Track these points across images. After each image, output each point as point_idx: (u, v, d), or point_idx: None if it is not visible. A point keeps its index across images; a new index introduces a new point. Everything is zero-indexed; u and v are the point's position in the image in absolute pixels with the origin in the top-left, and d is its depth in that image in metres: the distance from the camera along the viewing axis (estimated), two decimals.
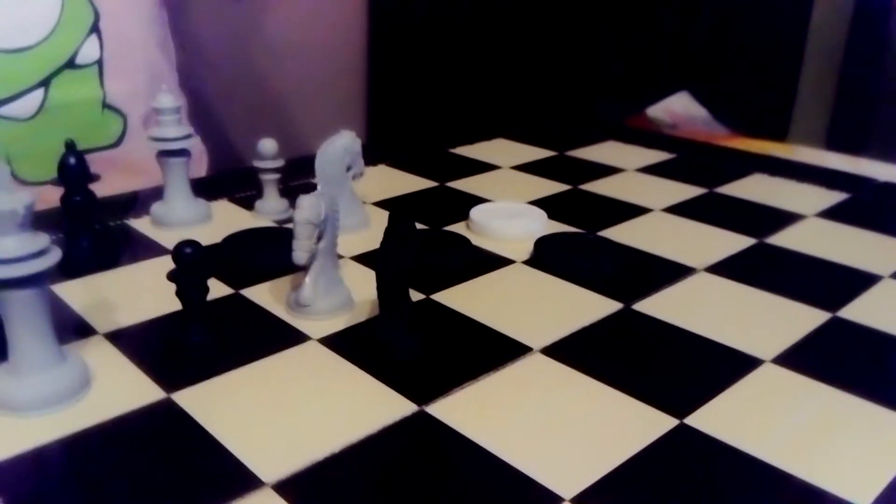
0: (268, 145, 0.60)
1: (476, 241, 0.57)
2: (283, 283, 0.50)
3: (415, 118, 1.10)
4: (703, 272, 0.54)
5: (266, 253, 0.53)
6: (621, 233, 0.60)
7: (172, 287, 0.41)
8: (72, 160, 0.51)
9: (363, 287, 0.48)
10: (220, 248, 0.55)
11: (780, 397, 0.40)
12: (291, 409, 0.38)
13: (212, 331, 0.43)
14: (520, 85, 1.23)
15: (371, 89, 1.08)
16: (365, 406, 0.38)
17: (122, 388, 0.39)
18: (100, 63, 0.72)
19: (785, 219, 0.64)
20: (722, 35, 1.38)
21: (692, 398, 0.39)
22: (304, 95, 0.99)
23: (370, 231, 0.59)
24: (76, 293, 0.49)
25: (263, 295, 0.49)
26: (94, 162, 0.56)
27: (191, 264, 0.41)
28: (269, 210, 0.62)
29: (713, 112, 1.27)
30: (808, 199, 0.69)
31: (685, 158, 0.80)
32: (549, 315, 0.47)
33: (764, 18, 1.36)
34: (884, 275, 0.54)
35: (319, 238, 0.45)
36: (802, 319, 0.47)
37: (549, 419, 0.38)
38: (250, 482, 0.33)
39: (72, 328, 0.44)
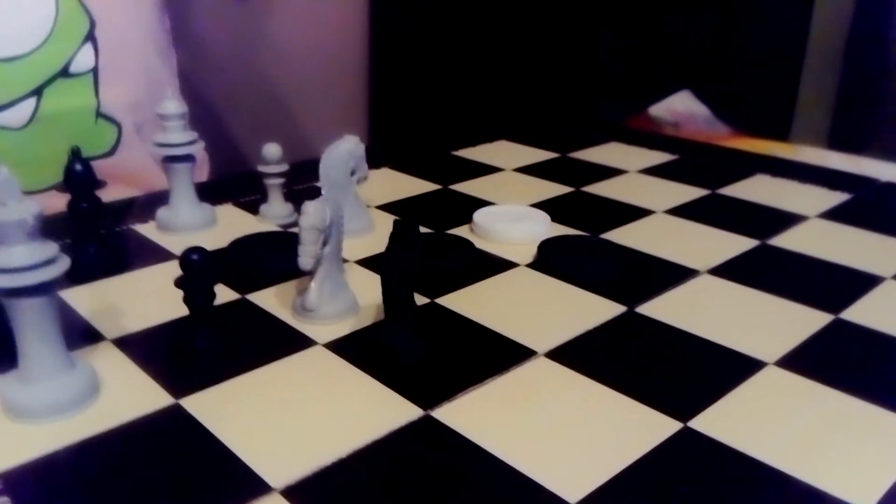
0: (272, 150, 0.60)
1: (480, 244, 0.58)
2: (289, 287, 0.51)
3: (417, 121, 1.10)
4: (705, 274, 0.54)
5: (272, 258, 0.54)
6: (624, 235, 0.60)
7: (179, 292, 0.42)
8: (78, 167, 0.52)
9: (368, 291, 0.48)
10: (226, 253, 0.55)
11: (782, 400, 0.40)
12: (298, 414, 0.38)
13: (219, 336, 0.43)
14: (522, 86, 1.24)
15: (373, 92, 1.08)
16: (371, 411, 0.39)
17: (131, 393, 0.40)
18: (95, 71, 0.72)
19: (787, 220, 0.64)
20: (723, 34, 1.38)
21: (695, 401, 0.39)
22: (307, 99, 1.00)
23: (375, 235, 0.59)
24: (84, 299, 0.49)
25: (269, 300, 0.49)
26: None
27: (198, 271, 0.41)
28: (273, 214, 0.62)
29: (715, 111, 1.27)
30: (810, 199, 0.69)
31: (687, 159, 0.80)
32: (553, 318, 0.48)
33: (765, 17, 1.36)
34: (886, 276, 0.54)
35: (325, 243, 0.45)
36: (805, 321, 0.48)
37: (554, 423, 0.38)
38: (259, 487, 0.33)
39: (80, 334, 0.45)
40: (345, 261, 0.52)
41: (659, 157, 0.81)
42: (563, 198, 0.69)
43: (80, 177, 0.52)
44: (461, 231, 0.60)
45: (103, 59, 0.72)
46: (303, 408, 0.39)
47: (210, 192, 0.64)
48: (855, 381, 0.42)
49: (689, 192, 0.70)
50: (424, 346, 0.44)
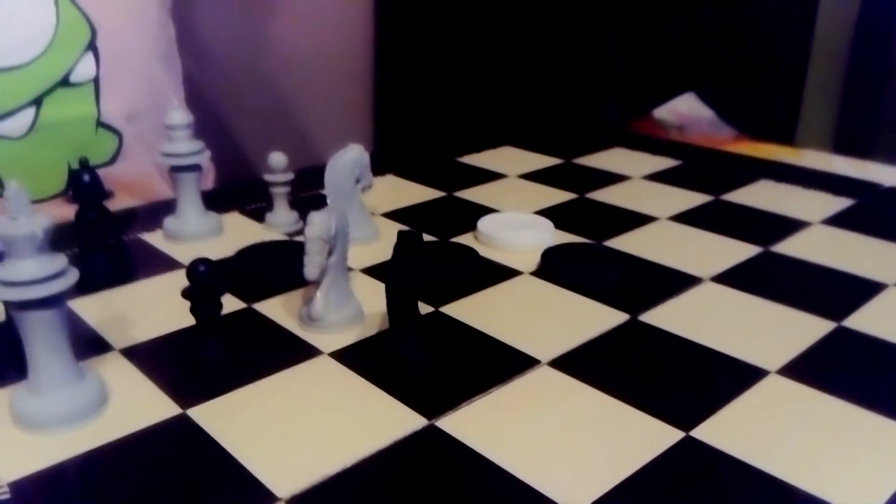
0: (278, 159, 0.61)
1: (484, 252, 0.58)
2: (295, 296, 0.51)
3: (422, 127, 1.11)
4: (708, 282, 0.54)
5: (278, 267, 0.54)
6: (628, 242, 0.61)
7: (186, 302, 0.42)
8: (86, 177, 0.52)
9: (373, 299, 0.49)
10: (233, 262, 0.56)
11: (784, 409, 0.40)
12: (304, 423, 0.39)
13: (226, 346, 0.44)
14: (526, 91, 1.24)
15: (378, 99, 1.09)
16: (376, 420, 0.39)
17: (139, 404, 0.40)
18: (96, 81, 0.72)
19: (790, 226, 0.64)
20: (728, 37, 1.38)
21: (698, 410, 0.40)
22: (312, 106, 1.00)
23: (380, 243, 0.60)
24: (92, 309, 0.49)
25: (276, 309, 0.50)
26: None
27: (204, 282, 0.41)
28: (279, 223, 0.62)
29: (719, 114, 1.27)
30: (813, 205, 0.69)
31: (691, 165, 0.81)
32: (557, 327, 0.48)
33: (770, 20, 1.36)
34: (889, 283, 0.54)
35: (330, 253, 0.45)
36: (807, 329, 0.48)
37: (557, 432, 0.38)
38: (264, 497, 0.34)
39: (88, 344, 0.45)
40: (350, 269, 0.53)
41: (662, 163, 0.81)
42: (566, 205, 0.69)
43: (87, 187, 0.53)
44: (465, 239, 0.61)
45: (104, 69, 0.72)
46: (308, 417, 0.39)
47: (216, 200, 0.65)
48: (857, 389, 0.42)
49: (692, 199, 0.71)
50: (429, 356, 0.44)
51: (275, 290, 0.52)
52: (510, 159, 0.82)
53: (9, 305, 0.37)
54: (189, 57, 0.83)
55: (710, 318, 0.49)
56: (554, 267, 0.55)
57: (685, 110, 1.30)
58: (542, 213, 0.66)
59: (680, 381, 0.43)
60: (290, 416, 0.39)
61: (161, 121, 0.58)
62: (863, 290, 0.53)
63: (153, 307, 0.50)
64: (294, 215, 0.63)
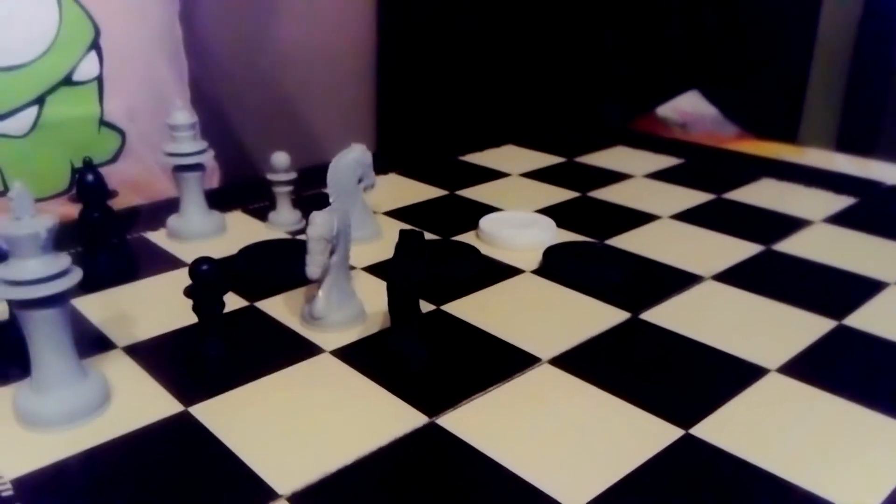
0: (280, 158, 0.61)
1: (485, 250, 0.58)
2: (297, 295, 0.51)
3: (425, 125, 1.11)
4: (710, 280, 0.54)
5: (280, 265, 0.54)
6: (629, 241, 0.61)
7: (189, 300, 0.43)
8: (90, 177, 0.53)
9: (375, 298, 0.49)
10: (235, 261, 0.56)
11: (784, 407, 0.41)
12: (305, 421, 0.39)
13: (228, 344, 0.44)
14: (528, 91, 1.24)
15: (380, 98, 1.09)
16: (377, 418, 0.39)
17: (141, 401, 0.40)
18: (99, 80, 0.72)
19: (792, 225, 0.64)
20: (731, 34, 1.38)
21: (698, 408, 0.40)
22: (314, 104, 1.00)
23: (382, 242, 0.60)
24: (95, 307, 0.50)
25: (278, 307, 0.50)
26: None
27: (207, 281, 0.42)
28: (282, 222, 0.63)
29: (723, 112, 1.27)
30: (815, 203, 0.69)
31: (693, 163, 0.81)
32: (558, 325, 0.48)
33: (773, 17, 1.36)
34: (890, 281, 0.54)
35: (332, 252, 0.46)
36: (808, 328, 0.48)
37: (557, 430, 0.39)
38: (266, 494, 0.34)
39: (91, 342, 0.45)
40: (352, 268, 0.53)
41: (665, 161, 0.81)
42: (569, 203, 0.69)
43: (91, 187, 0.53)
44: (467, 237, 0.61)
45: (108, 68, 0.72)
46: (310, 415, 0.40)
47: (219, 200, 0.65)
48: (857, 388, 0.42)
49: (694, 197, 0.71)
50: (430, 354, 0.44)
51: (277, 289, 0.52)
52: (512, 158, 0.82)
53: (12, 304, 0.37)
54: (191, 57, 0.83)
55: (711, 316, 0.50)
56: (555, 265, 0.55)
57: (689, 108, 1.30)
58: (544, 211, 0.66)
59: (680, 379, 0.43)
60: (292, 413, 0.40)
61: (164, 121, 0.58)
62: (864, 288, 0.53)
63: (156, 305, 0.50)
64: (297, 214, 0.63)
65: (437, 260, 0.55)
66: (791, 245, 0.60)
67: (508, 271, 0.55)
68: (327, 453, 0.37)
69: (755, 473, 0.36)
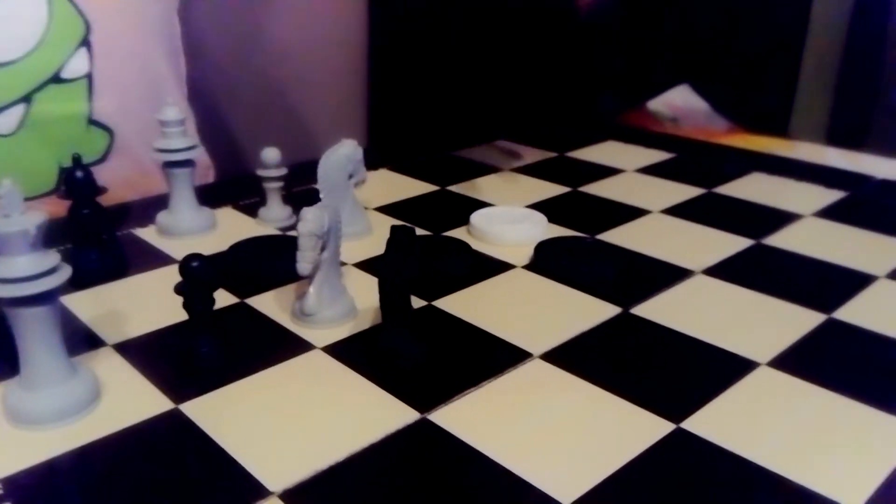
0: (271, 154, 0.61)
1: (477, 245, 0.58)
2: (288, 291, 0.51)
3: (416, 121, 1.11)
4: (700, 274, 0.54)
5: (270, 262, 0.54)
6: (620, 235, 0.61)
7: (179, 297, 0.42)
8: (79, 174, 0.52)
9: (366, 294, 0.49)
10: (226, 258, 0.56)
11: (774, 401, 0.41)
12: (297, 418, 0.39)
13: (218, 341, 0.44)
14: (519, 83, 1.24)
15: (371, 93, 1.08)
16: (369, 414, 0.39)
17: (132, 399, 0.40)
18: (89, 77, 0.71)
19: (783, 219, 0.65)
20: (722, 28, 1.38)
21: (688, 402, 0.40)
22: (305, 100, 1.00)
23: (372, 238, 0.60)
24: (85, 304, 0.50)
25: (268, 304, 0.50)
26: None
27: (198, 278, 0.41)
28: (272, 218, 0.63)
29: (714, 105, 1.27)
30: (806, 197, 0.70)
31: (684, 158, 0.81)
32: (549, 320, 0.48)
33: (764, 11, 1.36)
34: (879, 275, 0.55)
35: (323, 249, 0.46)
36: (798, 321, 0.48)
37: (549, 425, 0.39)
38: (257, 491, 0.34)
39: (81, 340, 0.45)
40: (343, 264, 0.53)
41: (656, 156, 0.81)
42: (560, 198, 0.69)
43: (81, 183, 0.53)
44: (458, 233, 0.61)
45: (99, 65, 0.71)
46: (301, 412, 0.40)
47: (209, 196, 0.65)
48: (847, 381, 0.42)
49: (685, 192, 0.71)
50: (422, 350, 0.44)
51: (268, 286, 0.52)
52: (505, 153, 0.82)
53: (1, 302, 0.37)
54: (184, 53, 0.83)
55: (701, 310, 0.50)
56: (547, 260, 0.55)
57: (680, 102, 1.30)
58: (536, 206, 0.66)
59: (671, 373, 0.43)
60: (283, 410, 0.40)
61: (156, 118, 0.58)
62: (854, 282, 0.54)
63: (146, 302, 0.50)
64: (287, 210, 0.63)
65: (428, 256, 0.55)
66: (781, 239, 0.61)
67: (500, 267, 0.55)
68: (319, 450, 0.36)
69: (746, 466, 0.36)
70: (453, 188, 0.71)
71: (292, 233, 0.58)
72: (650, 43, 1.37)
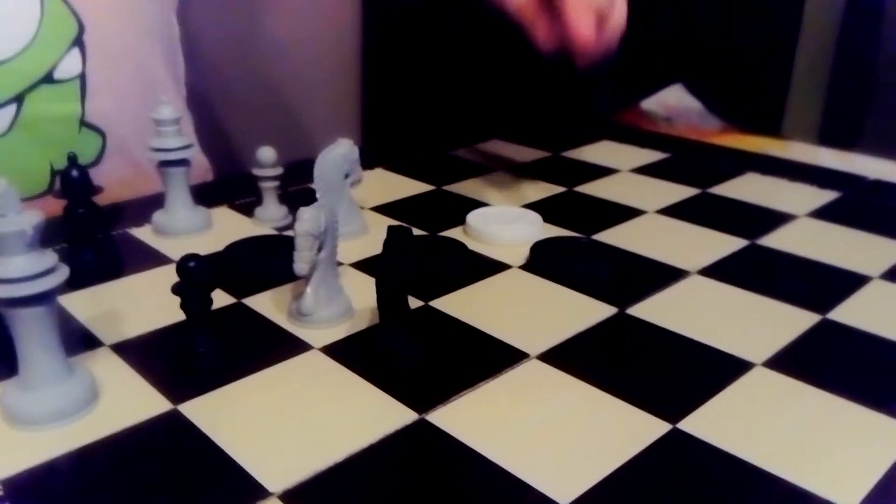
0: (267, 153, 0.61)
1: (473, 245, 0.58)
2: (285, 291, 0.51)
3: (411, 121, 1.11)
4: (695, 275, 0.55)
5: (267, 262, 0.54)
6: (615, 236, 0.61)
7: (176, 297, 0.42)
8: (75, 173, 0.52)
9: (363, 294, 0.49)
10: (222, 257, 0.56)
11: (770, 401, 0.41)
12: (295, 418, 0.39)
13: (216, 341, 0.44)
14: (514, 85, 1.24)
15: (366, 93, 1.09)
16: (366, 415, 0.39)
17: (129, 400, 0.40)
18: (82, 78, 0.69)
19: (777, 219, 0.65)
20: (716, 28, 1.38)
21: (684, 403, 0.40)
22: (301, 99, 1.00)
23: (369, 237, 0.60)
24: (82, 304, 0.49)
25: (265, 304, 0.50)
26: None
27: (195, 278, 0.41)
28: (268, 217, 0.62)
29: (707, 105, 1.28)
30: (799, 198, 0.70)
31: (678, 158, 0.81)
32: (545, 320, 0.48)
33: (758, 11, 1.37)
34: (873, 275, 0.55)
35: (320, 249, 0.46)
36: (793, 322, 0.48)
37: (545, 425, 0.39)
38: (256, 492, 0.34)
39: (78, 340, 0.45)
40: (339, 264, 0.53)
41: (650, 156, 0.81)
42: (555, 198, 0.70)
43: (76, 183, 0.52)
44: (454, 233, 0.61)
45: (93, 66, 0.70)
46: (299, 412, 0.40)
47: (205, 195, 0.65)
48: (842, 381, 0.42)
49: (679, 192, 0.71)
50: (419, 350, 0.44)
51: (264, 286, 0.52)
52: (499, 153, 0.82)
53: None
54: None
55: (696, 311, 0.50)
56: (542, 261, 0.55)
57: (673, 102, 1.30)
58: (531, 206, 0.66)
59: (667, 373, 0.43)
60: (281, 410, 0.40)
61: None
62: (848, 282, 0.54)
63: (143, 302, 0.50)
64: (283, 210, 0.63)
65: (424, 256, 0.55)
66: (775, 240, 0.61)
67: (496, 267, 0.56)
68: (317, 450, 0.37)
69: (742, 467, 0.36)
70: (449, 188, 0.71)
71: (289, 232, 0.58)
72: (643, 42, 1.37)
